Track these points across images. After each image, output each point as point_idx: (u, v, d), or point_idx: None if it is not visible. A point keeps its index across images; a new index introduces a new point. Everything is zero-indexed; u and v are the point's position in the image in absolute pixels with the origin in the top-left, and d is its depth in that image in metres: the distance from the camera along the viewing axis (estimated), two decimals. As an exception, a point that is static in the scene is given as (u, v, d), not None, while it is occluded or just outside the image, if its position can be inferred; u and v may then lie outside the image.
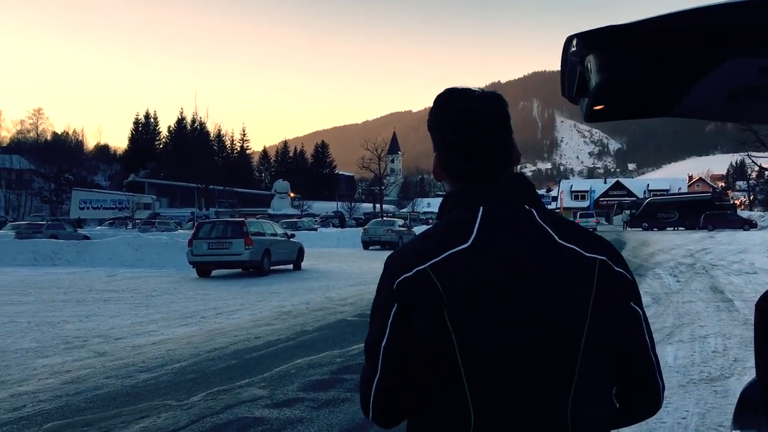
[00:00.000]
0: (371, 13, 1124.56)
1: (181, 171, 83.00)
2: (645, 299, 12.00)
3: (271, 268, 17.84)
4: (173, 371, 6.59)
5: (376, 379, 1.28)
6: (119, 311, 10.94)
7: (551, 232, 1.27)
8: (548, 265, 1.22)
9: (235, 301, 12.19)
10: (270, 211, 78.46)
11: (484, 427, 1.19)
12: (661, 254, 25.55)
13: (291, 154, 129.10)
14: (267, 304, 11.74)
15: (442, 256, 1.22)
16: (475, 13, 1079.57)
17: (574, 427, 1.19)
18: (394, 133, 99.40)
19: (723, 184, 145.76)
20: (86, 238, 31.58)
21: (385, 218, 37.14)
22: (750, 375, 2.71)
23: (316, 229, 40.57)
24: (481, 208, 1.28)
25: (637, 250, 28.50)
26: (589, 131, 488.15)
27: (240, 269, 17.85)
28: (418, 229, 38.36)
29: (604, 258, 1.26)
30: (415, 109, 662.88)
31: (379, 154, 59.20)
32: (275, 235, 18.59)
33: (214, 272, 17.74)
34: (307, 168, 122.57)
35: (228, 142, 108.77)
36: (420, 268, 1.22)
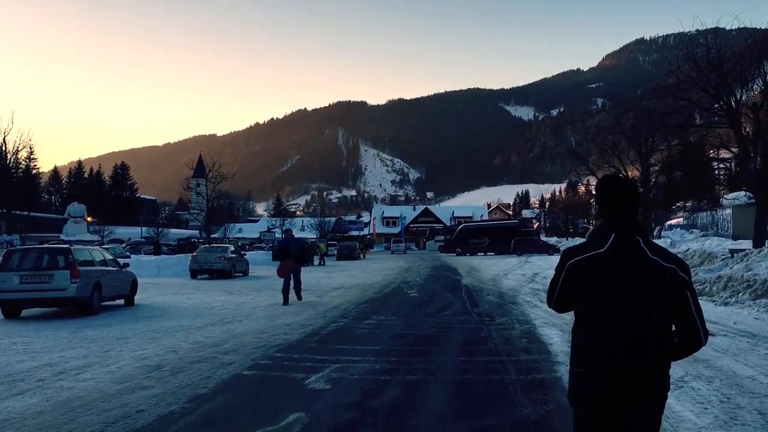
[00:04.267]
0: (175, 30, 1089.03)
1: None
2: (551, 331, 11.10)
3: (102, 304, 14.72)
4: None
5: (555, 296, 2.88)
6: None
7: (646, 250, 2.72)
8: (641, 267, 2.69)
9: (73, 353, 9.33)
10: (63, 236, 69.97)
11: (610, 339, 2.67)
12: (504, 280, 25.57)
13: (86, 176, 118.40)
14: (121, 356, 9.07)
15: (589, 254, 2.75)
16: (279, 42, 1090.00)
17: (652, 343, 2.68)
18: (200, 156, 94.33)
19: (511, 212, 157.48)
20: None
21: (213, 245, 34.06)
22: None
23: (129, 257, 36.30)
24: (613, 234, 2.75)
25: (476, 276, 28.44)
26: (391, 160, 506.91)
27: (57, 308, 14.52)
28: (251, 255, 35.81)
29: (673, 266, 2.70)
30: (220, 133, 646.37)
31: (207, 174, 55.14)
32: (106, 264, 15.41)
33: (24, 312, 14.25)
34: (105, 191, 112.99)
35: (11, 159, 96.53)
36: (578, 258, 2.76)
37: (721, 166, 28.20)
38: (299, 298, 17.02)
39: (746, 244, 22.89)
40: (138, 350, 9.50)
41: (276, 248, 19.53)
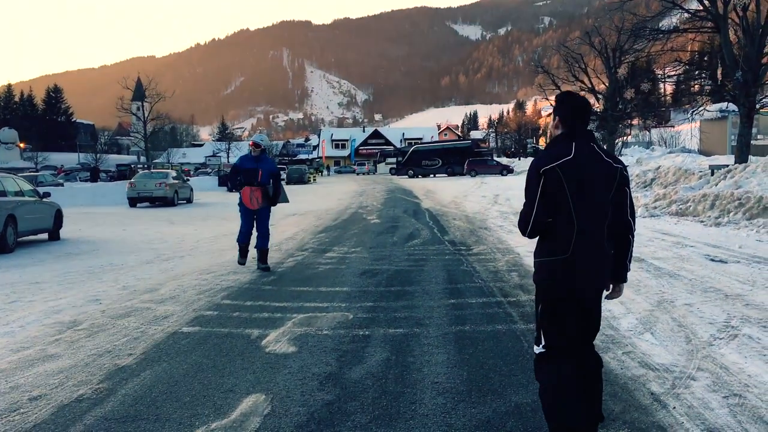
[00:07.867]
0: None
1: None
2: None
3: (18, 240, 12.73)
4: None
5: (533, 216, 3.13)
6: None
7: (602, 154, 3.17)
8: (600, 168, 3.13)
9: (-31, 306, 7.50)
10: (-6, 164, 66.05)
11: (580, 229, 3.08)
12: (466, 202, 24.26)
13: (17, 100, 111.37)
14: (30, 308, 7.28)
15: (561, 161, 3.08)
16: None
17: (606, 234, 3.17)
18: (139, 79, 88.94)
19: (460, 133, 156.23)
20: None
21: (154, 170, 31.68)
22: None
23: (62, 184, 33.63)
24: (574, 142, 3.14)
25: (435, 198, 27.08)
26: (338, 82, 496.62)
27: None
28: (196, 181, 33.59)
29: (621, 167, 3.18)
30: (159, 54, 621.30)
31: (143, 96, 51.55)
32: (22, 194, 13.30)
33: (-74, 252, 12.18)
34: (38, 115, 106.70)
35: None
36: (553, 164, 3.08)
37: (703, 75, 26.93)
38: (263, 261, 9.71)
39: (723, 159, 21.89)
40: (52, 299, 7.71)
41: (232, 170, 10.22)
